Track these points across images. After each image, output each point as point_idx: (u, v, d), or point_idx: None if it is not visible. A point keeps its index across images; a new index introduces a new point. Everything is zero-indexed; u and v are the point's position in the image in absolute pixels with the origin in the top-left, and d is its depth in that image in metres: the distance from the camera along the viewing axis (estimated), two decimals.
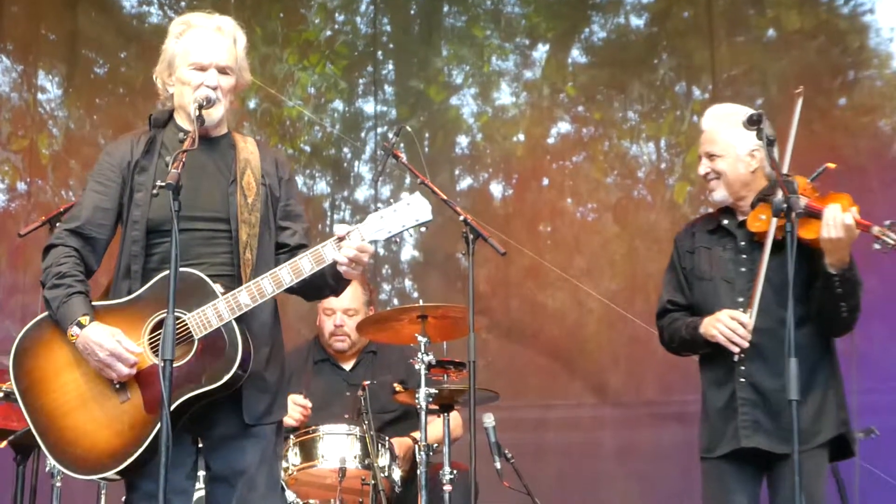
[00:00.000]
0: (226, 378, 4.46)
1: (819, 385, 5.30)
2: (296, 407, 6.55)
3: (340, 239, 4.54)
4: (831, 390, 5.33)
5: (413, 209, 4.59)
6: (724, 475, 5.36)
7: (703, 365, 5.50)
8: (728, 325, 5.20)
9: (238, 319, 4.52)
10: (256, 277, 4.57)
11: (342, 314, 7.10)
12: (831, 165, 5.28)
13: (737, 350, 5.19)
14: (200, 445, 4.75)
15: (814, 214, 5.09)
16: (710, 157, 5.41)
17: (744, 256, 5.37)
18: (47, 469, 6.14)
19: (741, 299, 5.32)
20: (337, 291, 4.89)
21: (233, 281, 4.60)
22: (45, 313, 4.64)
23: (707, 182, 5.47)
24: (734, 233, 5.46)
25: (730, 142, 5.35)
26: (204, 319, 4.49)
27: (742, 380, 5.27)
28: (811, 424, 5.19)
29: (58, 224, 5.87)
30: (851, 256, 5.14)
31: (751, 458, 5.30)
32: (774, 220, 5.11)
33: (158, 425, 4.28)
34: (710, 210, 5.68)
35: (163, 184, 4.27)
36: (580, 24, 9.97)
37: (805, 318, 5.23)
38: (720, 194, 5.43)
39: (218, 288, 4.53)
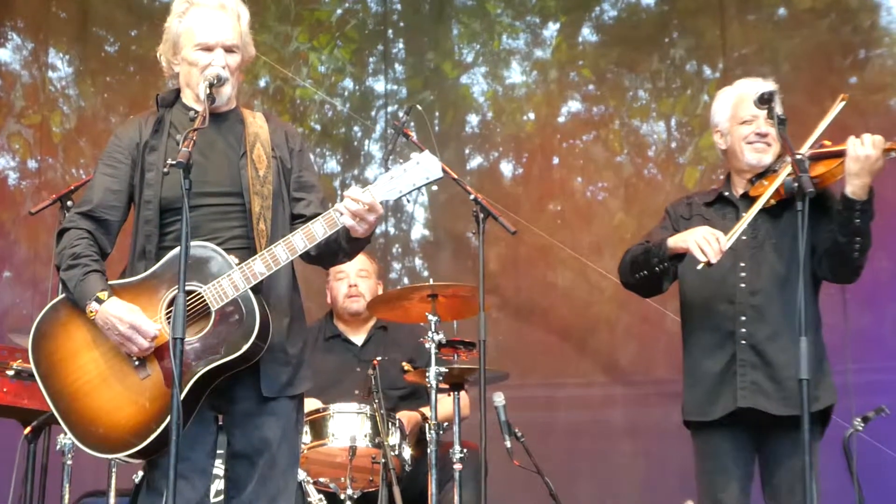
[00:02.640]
0: (245, 347, 4.47)
1: (819, 351, 5.32)
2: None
3: (352, 200, 4.54)
4: (826, 359, 5.36)
5: (423, 167, 4.59)
6: (718, 451, 5.37)
7: (693, 331, 5.52)
8: (706, 237, 5.16)
9: (255, 290, 4.53)
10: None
11: (356, 275, 7.19)
12: (827, 142, 5.29)
13: (703, 259, 5.14)
14: (220, 423, 4.76)
15: (823, 157, 5.12)
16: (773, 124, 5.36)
17: (721, 231, 5.36)
18: (58, 447, 6.17)
19: (743, 264, 5.34)
20: (351, 255, 4.88)
21: (249, 254, 4.60)
22: (61, 296, 4.66)
23: (760, 140, 5.43)
24: (736, 203, 5.49)
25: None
26: (220, 290, 4.50)
27: (743, 342, 5.30)
28: (812, 388, 5.19)
29: (69, 206, 5.91)
30: (872, 188, 5.14)
31: (743, 427, 5.31)
32: (777, 180, 5.12)
33: (181, 398, 4.26)
34: None
35: (173, 162, 4.28)
36: (591, 3, 9.94)
37: (809, 281, 5.23)
38: (769, 158, 5.43)
39: (233, 259, 4.54)
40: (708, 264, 5.14)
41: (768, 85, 5.35)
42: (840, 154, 5.14)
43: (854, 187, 5.11)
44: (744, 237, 5.35)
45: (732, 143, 5.51)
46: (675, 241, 5.32)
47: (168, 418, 4.30)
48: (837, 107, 5.29)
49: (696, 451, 5.50)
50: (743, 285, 5.33)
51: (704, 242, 5.15)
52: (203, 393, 4.52)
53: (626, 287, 5.77)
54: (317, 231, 4.56)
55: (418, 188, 4.61)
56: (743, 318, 5.31)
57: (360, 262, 7.15)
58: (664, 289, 5.56)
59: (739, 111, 5.48)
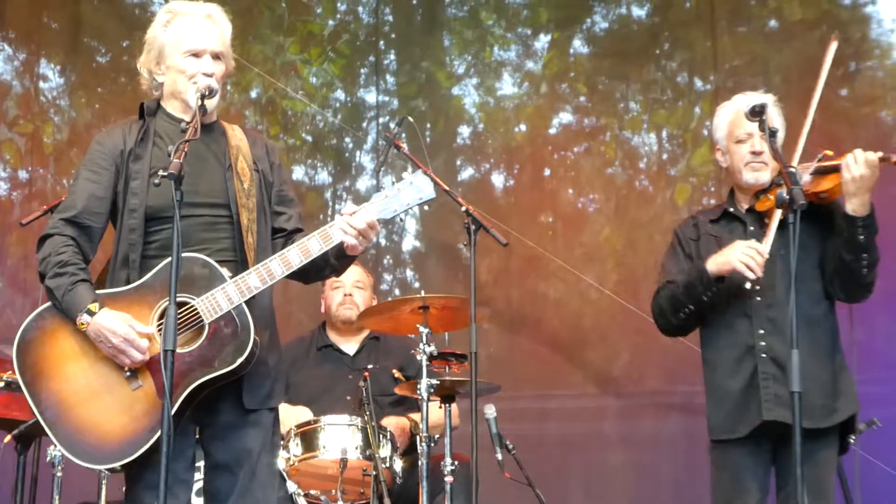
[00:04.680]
0: (239, 361, 4.48)
1: (838, 361, 5.33)
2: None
3: (348, 217, 4.57)
4: (846, 369, 5.36)
5: (416, 187, 4.68)
6: (737, 464, 5.34)
7: (712, 350, 5.49)
8: (746, 252, 5.17)
9: (245, 304, 4.53)
10: (258, 262, 4.59)
11: (352, 286, 7.22)
12: (829, 152, 5.29)
13: (752, 277, 5.17)
14: (198, 436, 4.76)
15: (829, 170, 5.12)
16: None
17: (754, 240, 5.37)
18: (48, 458, 6.16)
19: (754, 277, 5.33)
20: (339, 271, 4.91)
21: (236, 266, 4.62)
22: (47, 304, 4.63)
23: (756, 160, 5.40)
24: (742, 218, 5.48)
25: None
26: (214, 303, 4.50)
27: (763, 355, 5.27)
28: (830, 400, 5.23)
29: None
30: (872, 204, 5.15)
31: (764, 442, 5.29)
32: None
33: (172, 411, 4.27)
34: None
35: (164, 173, 4.26)
36: (582, 15, 9.96)
37: (822, 293, 5.30)
38: (766, 176, 5.41)
39: (225, 272, 4.54)
40: (755, 280, 5.19)
41: (764, 97, 5.35)
42: (838, 169, 5.15)
43: (854, 205, 5.13)
44: None
45: (732, 162, 5.51)
46: (717, 266, 5.29)
47: (160, 430, 4.31)
48: (831, 52, 5.28)
49: (714, 462, 5.46)
50: (759, 298, 5.31)
51: (748, 258, 5.17)
52: (190, 405, 4.52)
53: (667, 334, 5.72)
54: (312, 247, 4.59)
55: (412, 208, 4.66)
56: (761, 331, 5.28)
57: (357, 273, 7.18)
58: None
59: (735, 129, 5.48)
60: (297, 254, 4.59)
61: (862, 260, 5.21)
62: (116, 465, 4.57)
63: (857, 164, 5.07)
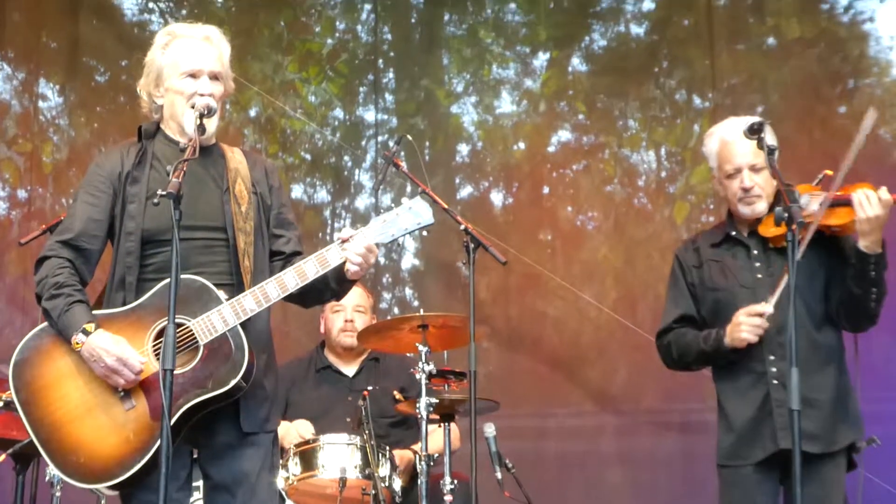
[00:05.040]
0: (233, 382, 4.48)
1: (844, 385, 5.31)
2: None
3: (344, 241, 4.58)
4: (852, 392, 5.35)
5: (415, 213, 4.69)
6: (747, 483, 5.32)
7: (723, 376, 5.46)
8: (751, 324, 5.19)
9: (241, 326, 4.53)
10: (255, 285, 4.59)
11: (353, 310, 7.18)
12: (829, 172, 5.28)
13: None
14: (195, 456, 4.76)
15: (840, 203, 5.11)
16: (756, 170, 5.34)
17: (758, 264, 5.36)
18: (47, 478, 6.15)
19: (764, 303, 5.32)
20: (339, 295, 4.92)
21: (232, 289, 4.62)
22: (44, 324, 4.64)
23: (747, 196, 5.37)
24: (745, 242, 5.45)
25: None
26: (209, 325, 4.50)
27: (775, 381, 5.23)
28: (837, 424, 5.22)
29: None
30: (884, 240, 5.15)
31: (772, 468, 5.27)
32: (812, 226, 5.10)
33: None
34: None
35: (163, 192, 4.27)
36: (581, 33, 9.97)
37: (827, 317, 5.29)
38: (762, 206, 5.36)
39: (221, 294, 4.54)
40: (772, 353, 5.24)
41: (753, 120, 5.34)
42: (850, 203, 5.13)
43: (867, 242, 5.12)
44: (759, 276, 5.35)
45: (727, 194, 5.47)
46: (734, 340, 5.25)
47: (152, 450, 4.37)
48: (869, 121, 5.23)
49: (723, 482, 5.43)
50: (767, 324, 5.30)
51: (758, 329, 5.19)
52: (184, 426, 4.51)
53: (673, 369, 5.75)
54: (308, 270, 4.60)
55: (410, 233, 4.66)
56: (772, 357, 5.25)
57: (358, 296, 7.15)
58: None
59: (724, 164, 5.41)
60: (293, 277, 4.59)
61: (871, 294, 5.20)
62: (106, 484, 4.55)
63: (872, 206, 5.05)
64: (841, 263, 5.22)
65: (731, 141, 5.38)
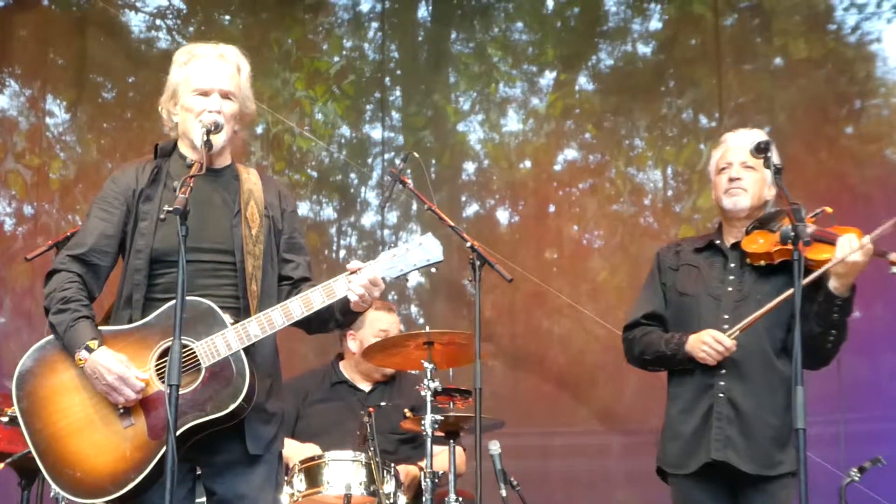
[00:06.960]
0: (232, 407, 4.48)
1: (790, 417, 5.30)
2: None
3: (352, 273, 4.58)
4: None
5: (425, 249, 4.69)
6: (689, 499, 5.40)
7: (676, 382, 5.54)
8: (714, 348, 5.25)
9: (244, 351, 4.53)
10: (261, 309, 4.59)
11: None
12: (829, 210, 5.30)
13: (710, 363, 5.29)
14: (199, 473, 4.76)
15: (823, 240, 5.11)
16: (747, 167, 5.42)
17: (731, 277, 5.44)
18: (52, 494, 6.11)
19: (726, 316, 5.35)
20: (343, 325, 4.95)
21: (238, 313, 4.62)
22: (49, 337, 4.65)
23: (733, 186, 5.44)
24: (726, 253, 5.51)
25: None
26: (212, 348, 4.50)
27: (721, 395, 5.31)
28: (777, 450, 5.24)
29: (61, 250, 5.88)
30: (855, 286, 5.16)
31: (719, 479, 5.32)
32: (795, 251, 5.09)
33: (161, 451, 4.31)
34: None
35: (170, 209, 4.27)
36: (587, 52, 9.99)
37: (785, 348, 5.30)
38: (745, 203, 5.43)
39: (227, 318, 4.54)
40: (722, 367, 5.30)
41: (758, 134, 5.37)
42: (834, 243, 5.14)
43: (838, 284, 5.15)
44: (729, 288, 5.40)
45: (715, 193, 5.57)
46: (692, 352, 5.33)
47: (147, 469, 4.41)
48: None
49: (672, 496, 5.53)
50: (728, 354, 5.31)
51: (717, 355, 5.25)
52: (182, 447, 4.47)
53: (632, 365, 5.80)
54: (315, 300, 4.60)
55: (418, 269, 4.68)
56: (723, 371, 5.32)
57: (396, 322, 7.16)
58: None
59: (720, 161, 5.54)
60: (299, 305, 4.60)
61: (830, 335, 5.25)
62: (99, 501, 4.56)
63: (854, 252, 5.07)
64: (808, 299, 5.17)
65: (733, 146, 5.51)
